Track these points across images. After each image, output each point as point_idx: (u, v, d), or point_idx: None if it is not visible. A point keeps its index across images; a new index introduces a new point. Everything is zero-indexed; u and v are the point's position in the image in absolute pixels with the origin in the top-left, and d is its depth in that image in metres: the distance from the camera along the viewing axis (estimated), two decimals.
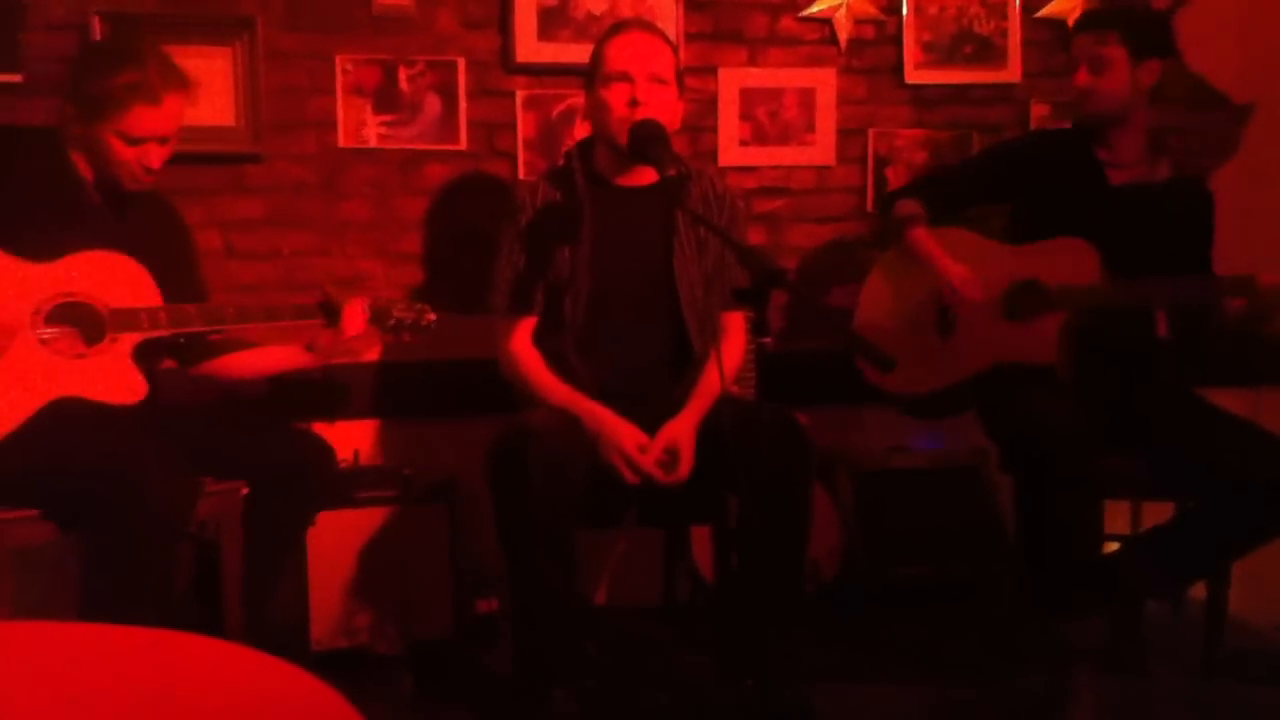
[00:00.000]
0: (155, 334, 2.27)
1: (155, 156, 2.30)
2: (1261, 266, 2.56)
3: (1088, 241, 2.59)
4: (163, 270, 2.33)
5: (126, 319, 2.23)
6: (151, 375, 2.31)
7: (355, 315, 2.41)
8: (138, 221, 2.40)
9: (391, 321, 2.49)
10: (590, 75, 2.49)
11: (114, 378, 2.22)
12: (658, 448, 2.35)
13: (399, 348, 3.06)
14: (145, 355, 2.28)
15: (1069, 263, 2.59)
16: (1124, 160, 2.69)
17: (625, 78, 2.40)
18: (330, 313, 2.41)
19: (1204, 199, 2.75)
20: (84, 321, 2.21)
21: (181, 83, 2.31)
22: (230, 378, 2.54)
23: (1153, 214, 2.64)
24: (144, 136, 2.26)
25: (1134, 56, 2.60)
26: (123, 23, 2.87)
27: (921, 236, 2.74)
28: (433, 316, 2.54)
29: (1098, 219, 2.62)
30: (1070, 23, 3.26)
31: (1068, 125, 2.88)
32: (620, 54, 2.43)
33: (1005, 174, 2.81)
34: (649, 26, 2.56)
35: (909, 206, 2.79)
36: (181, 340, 2.41)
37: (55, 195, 2.29)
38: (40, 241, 2.19)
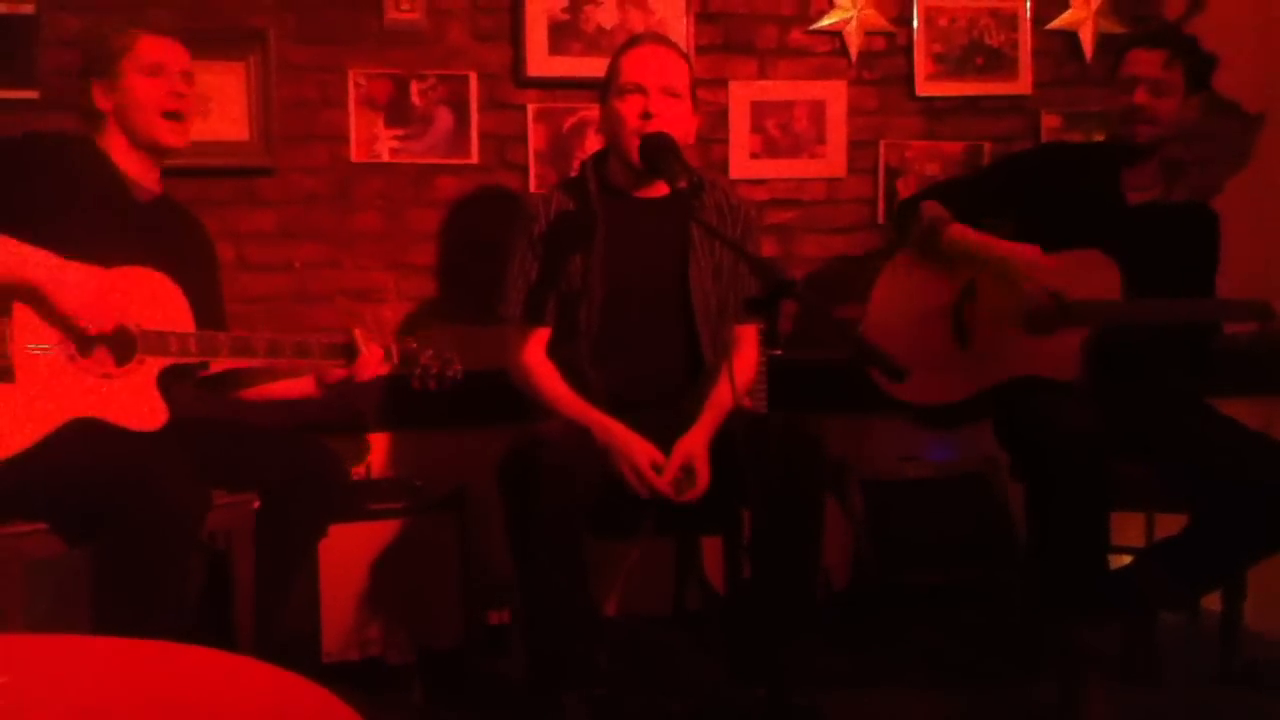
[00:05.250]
0: (183, 360, 2.25)
1: (180, 84, 2.34)
2: (1272, 272, 2.56)
3: (1107, 255, 2.59)
4: (191, 292, 2.32)
5: (158, 342, 2.21)
6: (167, 390, 2.30)
7: (371, 360, 2.40)
8: (177, 237, 2.42)
9: (418, 369, 2.48)
10: (605, 88, 2.50)
11: (136, 402, 2.18)
12: (674, 465, 2.35)
13: None
14: (172, 379, 2.27)
15: (1090, 276, 2.57)
16: (1143, 183, 2.70)
17: (639, 90, 2.41)
18: (350, 355, 2.40)
19: (1212, 224, 2.75)
20: (116, 340, 2.18)
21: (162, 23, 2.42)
22: (244, 401, 2.54)
23: (1166, 234, 2.64)
24: (160, 62, 2.32)
25: (1189, 87, 2.61)
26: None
27: (965, 230, 2.70)
28: (459, 367, 2.51)
29: (1114, 236, 2.60)
30: (1075, 32, 3.25)
31: (1079, 138, 2.85)
32: (635, 66, 2.44)
33: (1022, 185, 2.79)
34: (665, 40, 2.57)
35: (935, 208, 2.75)
36: (205, 368, 2.40)
37: (103, 203, 2.29)
38: (88, 252, 2.16)
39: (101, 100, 2.32)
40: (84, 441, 2.10)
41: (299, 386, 2.51)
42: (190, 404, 2.47)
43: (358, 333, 2.42)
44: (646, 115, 2.39)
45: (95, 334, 2.11)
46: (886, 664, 2.82)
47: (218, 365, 2.40)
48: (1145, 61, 2.62)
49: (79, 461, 2.07)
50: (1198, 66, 2.63)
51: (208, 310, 2.41)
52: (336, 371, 2.42)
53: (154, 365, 2.21)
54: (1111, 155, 2.73)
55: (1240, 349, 2.55)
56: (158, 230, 2.36)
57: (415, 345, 2.50)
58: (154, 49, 2.32)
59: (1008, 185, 2.82)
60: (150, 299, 2.23)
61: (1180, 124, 2.65)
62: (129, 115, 2.32)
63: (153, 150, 2.36)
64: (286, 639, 2.46)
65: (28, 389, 2.08)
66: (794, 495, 2.28)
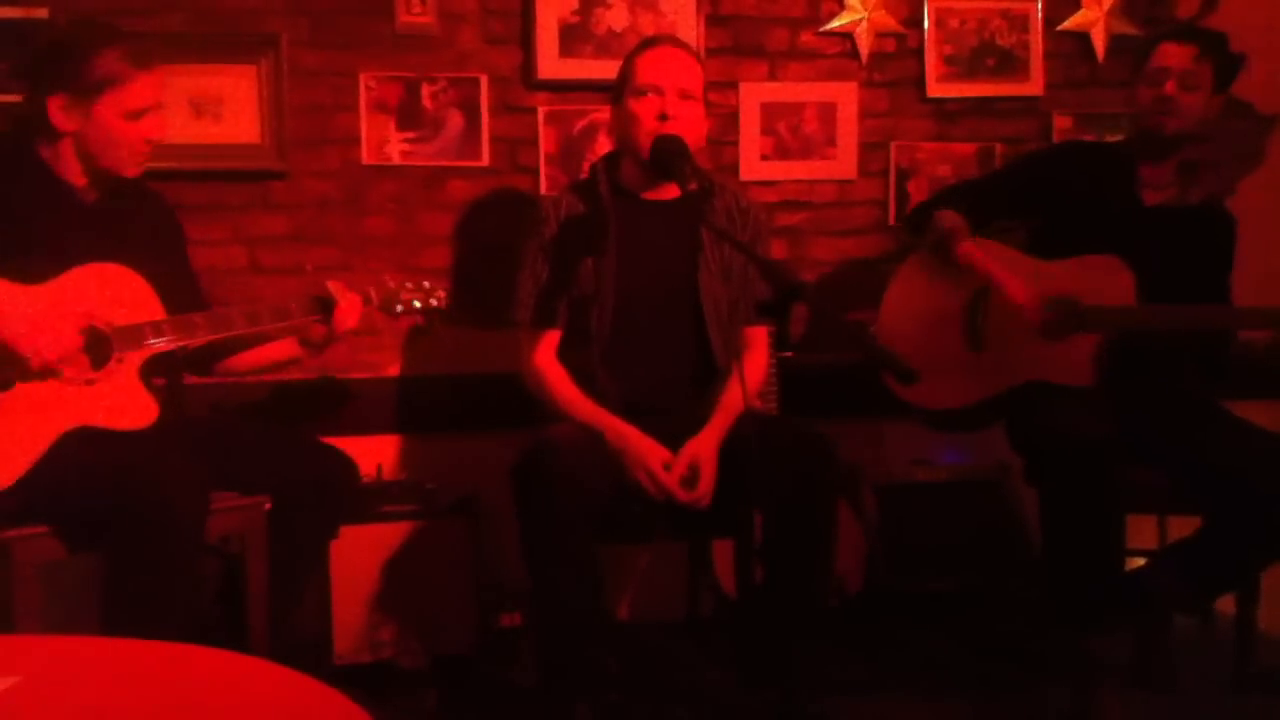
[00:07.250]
0: (161, 348, 2.20)
1: (156, 126, 2.22)
2: None
3: (1122, 259, 2.58)
4: (158, 274, 2.26)
5: (131, 336, 2.16)
6: (173, 390, 2.30)
7: (350, 310, 2.35)
8: (130, 223, 2.32)
9: (399, 307, 2.46)
10: (618, 89, 2.50)
11: (124, 402, 2.15)
12: (681, 465, 2.35)
13: (420, 362, 3.09)
14: (154, 369, 2.24)
15: (1104, 281, 2.57)
16: (1160, 182, 2.70)
17: (656, 90, 2.41)
18: (328, 308, 2.35)
19: (1229, 227, 2.74)
20: (89, 344, 2.12)
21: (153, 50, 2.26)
22: (233, 375, 2.51)
23: (1182, 237, 2.64)
24: (146, 106, 2.19)
25: (1215, 84, 2.63)
26: (140, 39, 2.89)
27: (974, 250, 2.70)
28: (443, 294, 2.48)
29: (1129, 237, 2.60)
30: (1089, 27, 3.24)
31: (1092, 139, 2.83)
32: (651, 68, 2.44)
33: (1038, 184, 2.79)
34: (680, 43, 2.58)
35: (951, 218, 2.74)
36: (186, 350, 2.36)
37: (40, 205, 2.18)
38: (33, 260, 2.10)
39: (62, 119, 2.15)
40: (80, 452, 2.08)
41: (281, 349, 2.46)
42: (204, 405, 2.48)
43: (332, 285, 2.36)
44: (663, 116, 2.39)
45: (38, 367, 2.02)
46: (898, 670, 2.81)
47: (198, 344, 2.35)
48: (1176, 54, 2.61)
49: (88, 467, 2.06)
50: (1226, 64, 2.63)
51: (180, 289, 2.36)
52: (318, 328, 2.38)
53: (134, 361, 2.17)
54: (1128, 154, 2.73)
55: (1256, 356, 2.53)
56: (107, 228, 2.26)
57: (393, 284, 2.48)
58: (145, 93, 2.18)
59: (1022, 187, 2.82)
60: (113, 295, 2.17)
61: (1203, 122, 2.65)
62: (94, 149, 2.19)
63: (107, 177, 2.25)
64: (299, 641, 2.46)
65: (11, 414, 2.04)
66: (804, 499, 2.28)
